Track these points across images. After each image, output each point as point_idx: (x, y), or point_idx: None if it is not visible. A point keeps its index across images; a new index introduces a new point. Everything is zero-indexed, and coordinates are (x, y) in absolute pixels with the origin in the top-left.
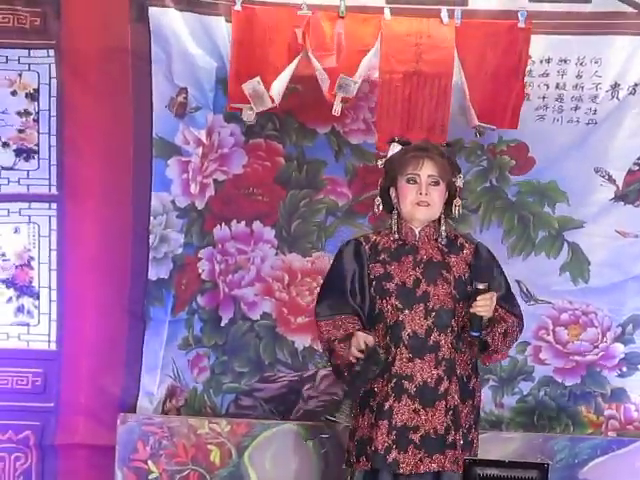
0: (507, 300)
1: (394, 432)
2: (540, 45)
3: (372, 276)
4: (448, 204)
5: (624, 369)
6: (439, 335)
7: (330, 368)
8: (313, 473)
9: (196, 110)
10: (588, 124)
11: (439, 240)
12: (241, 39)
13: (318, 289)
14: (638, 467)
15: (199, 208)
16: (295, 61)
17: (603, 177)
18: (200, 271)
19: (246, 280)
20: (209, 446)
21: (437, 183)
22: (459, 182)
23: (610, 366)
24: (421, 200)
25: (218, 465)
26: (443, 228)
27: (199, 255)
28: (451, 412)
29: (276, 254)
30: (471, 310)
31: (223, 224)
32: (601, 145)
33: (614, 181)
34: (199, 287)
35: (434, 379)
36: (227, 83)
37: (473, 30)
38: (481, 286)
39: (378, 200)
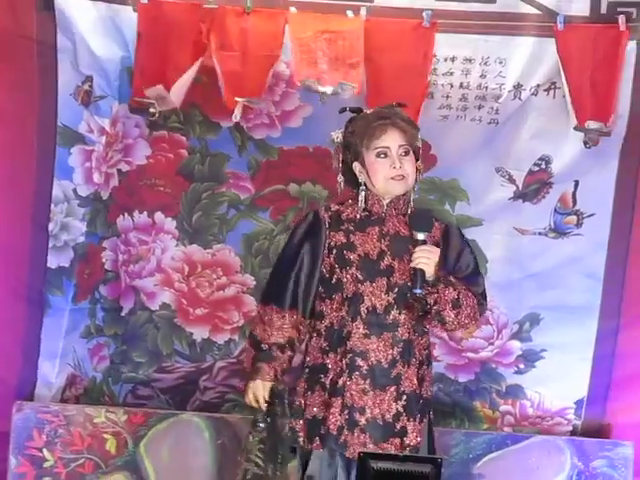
0: (470, 279)
1: (346, 411)
2: (445, 44)
3: (332, 244)
4: None
5: (521, 366)
6: (399, 314)
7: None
8: (209, 463)
9: (101, 99)
10: (490, 123)
11: (407, 213)
12: (146, 33)
13: (220, 281)
14: (532, 463)
15: (104, 198)
16: (196, 65)
17: (503, 177)
18: (103, 261)
19: (146, 270)
20: (105, 435)
21: (407, 152)
22: (419, 142)
23: (506, 363)
24: (396, 175)
25: (114, 454)
26: (412, 197)
27: (103, 245)
28: (405, 397)
29: (177, 245)
30: (411, 264)
31: (126, 214)
32: (503, 145)
33: (514, 181)
34: (102, 277)
35: (388, 361)
36: (132, 73)
37: (378, 28)
38: (420, 236)
39: (340, 178)
